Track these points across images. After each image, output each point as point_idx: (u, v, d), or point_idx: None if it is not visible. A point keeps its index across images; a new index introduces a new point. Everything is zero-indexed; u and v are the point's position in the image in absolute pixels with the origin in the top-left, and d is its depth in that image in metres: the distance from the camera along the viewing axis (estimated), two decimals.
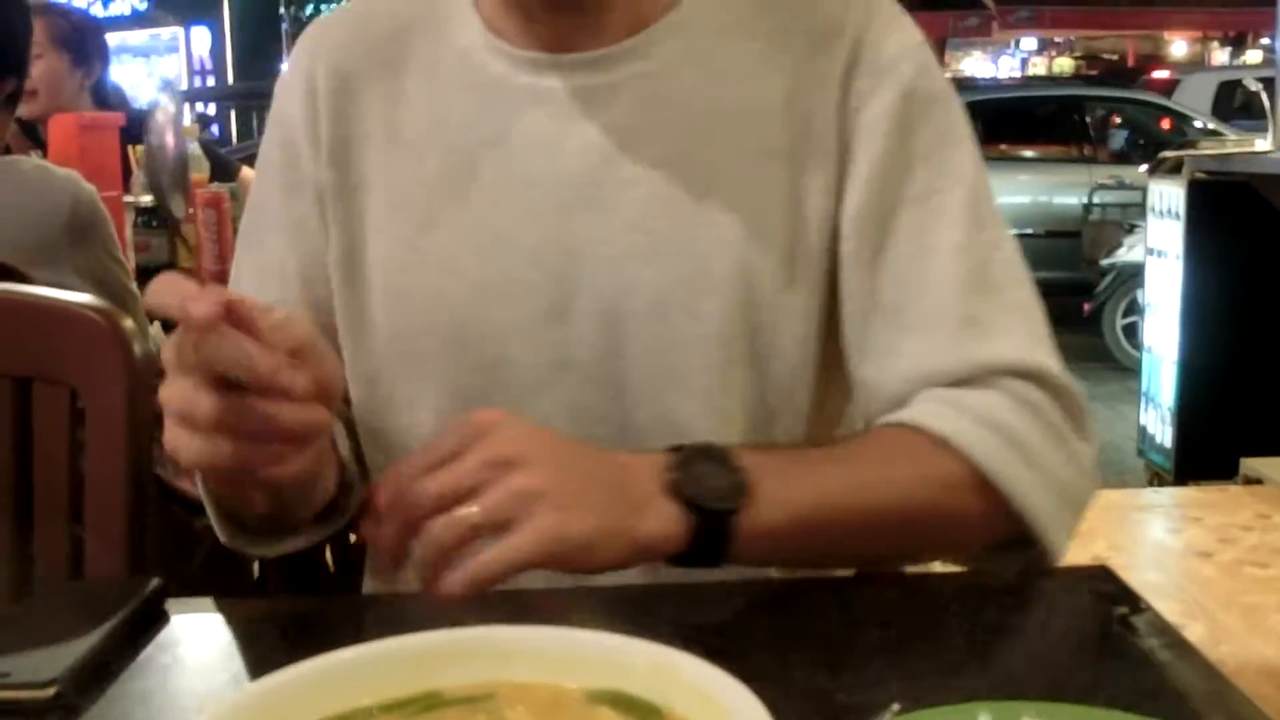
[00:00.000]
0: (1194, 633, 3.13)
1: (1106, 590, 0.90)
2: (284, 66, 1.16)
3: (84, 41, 3.67)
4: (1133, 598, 0.88)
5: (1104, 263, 7.10)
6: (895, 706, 0.52)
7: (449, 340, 1.02)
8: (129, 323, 1.21)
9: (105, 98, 3.72)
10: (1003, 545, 0.95)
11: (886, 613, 0.88)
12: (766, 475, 0.87)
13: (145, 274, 2.79)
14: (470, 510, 0.79)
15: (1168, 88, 12.38)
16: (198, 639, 0.88)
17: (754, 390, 1.02)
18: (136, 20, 18.30)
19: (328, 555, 1.37)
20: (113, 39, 4.71)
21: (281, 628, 0.92)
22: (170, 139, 2.76)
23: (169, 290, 0.72)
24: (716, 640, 0.70)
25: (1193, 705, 0.73)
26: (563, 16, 1.03)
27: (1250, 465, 4.53)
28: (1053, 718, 0.61)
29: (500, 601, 0.85)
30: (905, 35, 1.04)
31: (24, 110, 3.46)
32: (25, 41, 2.22)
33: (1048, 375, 0.97)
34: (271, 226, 1.11)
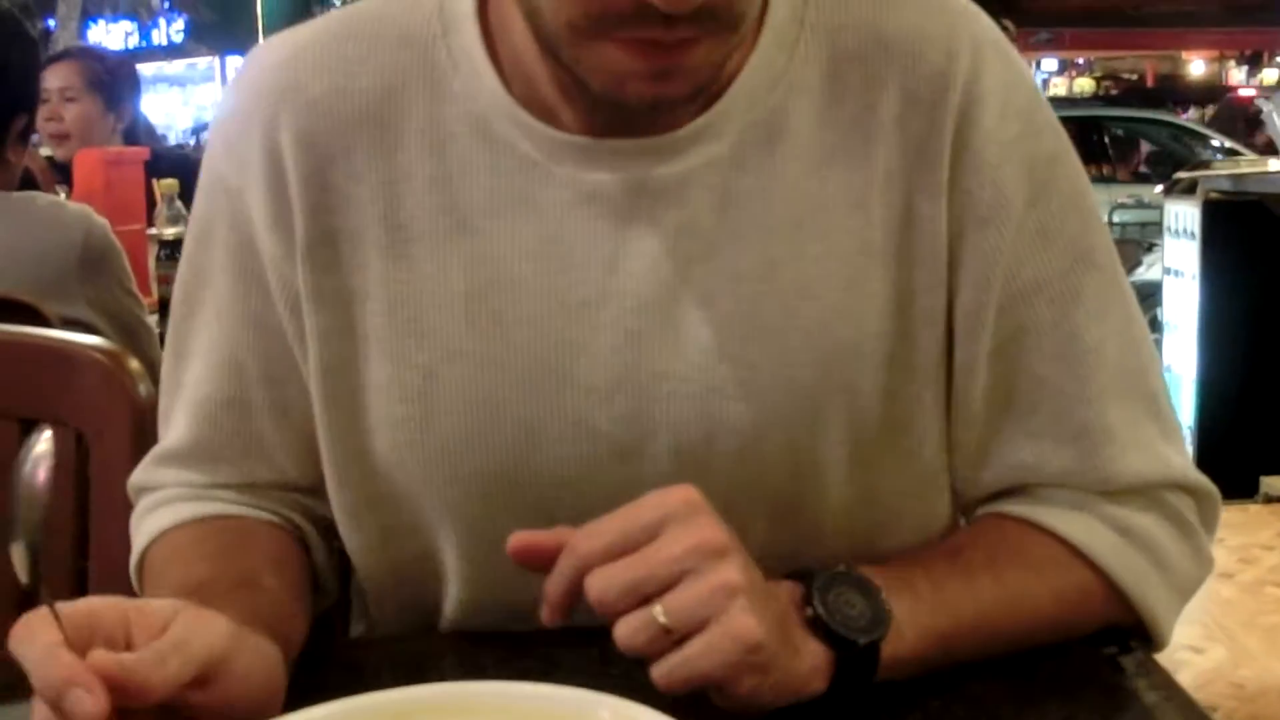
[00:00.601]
0: (1215, 655, 3.10)
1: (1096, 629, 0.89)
2: (226, 106, 0.92)
3: (117, 85, 3.74)
4: (1122, 636, 0.88)
5: None
6: None
7: (484, 489, 0.87)
8: (134, 363, 1.22)
9: (136, 137, 3.79)
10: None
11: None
12: (900, 598, 0.78)
13: (168, 308, 2.81)
14: (660, 616, 0.68)
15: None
16: None
17: (850, 508, 0.90)
18: (173, 51, 18.46)
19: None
20: (148, 69, 4.77)
21: None
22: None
23: (39, 646, 0.61)
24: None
25: None
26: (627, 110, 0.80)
27: (1270, 484, 4.49)
28: None
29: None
30: (1021, 87, 0.88)
31: (58, 153, 3.52)
32: (34, 76, 2.26)
33: (1184, 480, 0.89)
34: (220, 315, 0.91)
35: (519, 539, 0.73)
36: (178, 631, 0.62)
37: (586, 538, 0.72)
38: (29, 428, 1.19)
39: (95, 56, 3.88)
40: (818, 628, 0.74)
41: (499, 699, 0.60)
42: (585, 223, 0.84)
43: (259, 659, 0.68)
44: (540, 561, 0.73)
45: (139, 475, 0.97)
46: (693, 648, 0.68)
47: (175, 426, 0.95)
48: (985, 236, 0.86)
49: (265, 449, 0.93)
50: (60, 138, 3.58)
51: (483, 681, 0.61)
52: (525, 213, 0.85)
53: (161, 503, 0.93)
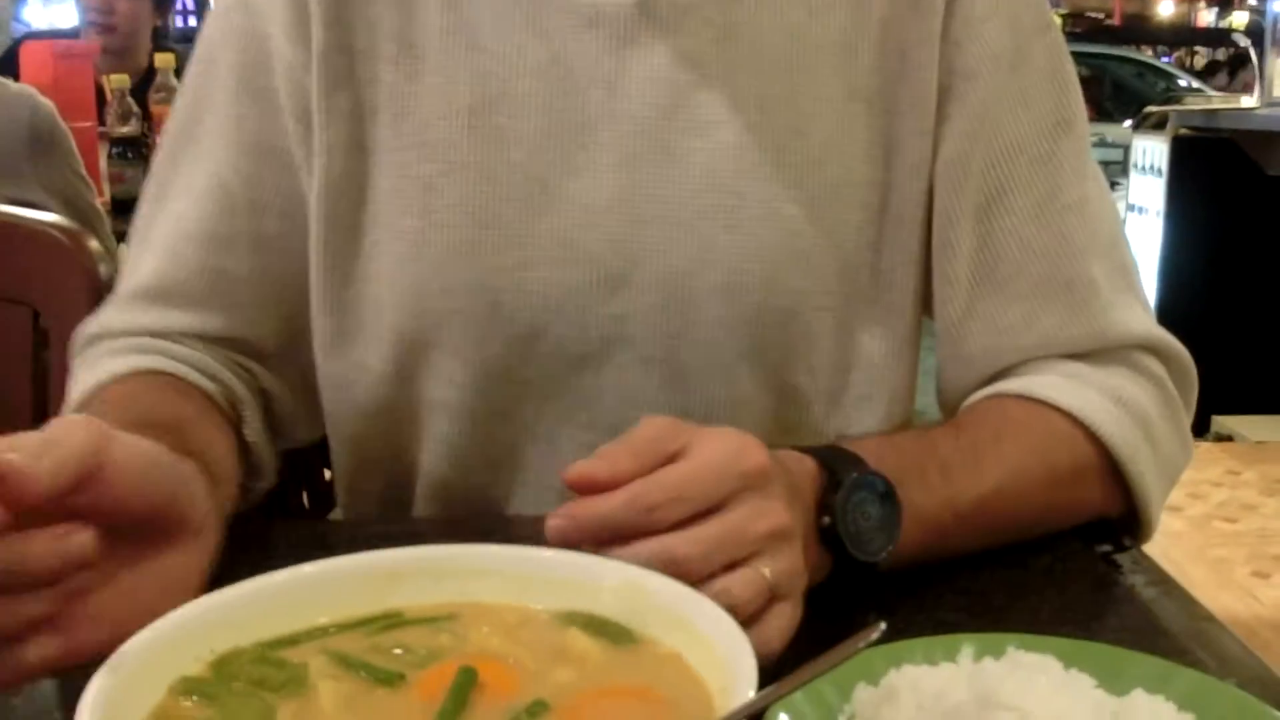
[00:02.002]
0: None
1: (1091, 528, 0.88)
2: None
3: None
4: (1116, 536, 0.87)
5: None
6: (883, 625, 0.50)
7: (474, 305, 0.87)
8: (94, 242, 1.18)
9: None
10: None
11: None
12: (910, 490, 0.76)
13: (121, 206, 2.74)
14: (768, 574, 0.63)
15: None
16: None
17: (837, 369, 0.91)
18: None
19: (303, 496, 1.35)
20: None
21: (243, 546, 0.89)
22: None
23: None
24: None
25: (1177, 641, 0.72)
26: None
27: (1221, 422, 4.56)
28: (1037, 649, 0.59)
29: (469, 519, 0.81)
30: None
31: (102, 41, 3.40)
32: None
33: (1162, 344, 0.90)
34: (214, 141, 0.91)
35: (577, 468, 0.63)
36: (48, 434, 0.56)
37: (648, 489, 0.61)
38: None
39: None
40: (828, 538, 0.72)
41: (494, 562, 0.56)
42: (588, 45, 0.86)
43: (136, 453, 0.60)
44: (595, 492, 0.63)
45: (88, 325, 0.92)
46: (781, 618, 0.64)
47: (139, 267, 0.92)
48: (971, 89, 0.88)
49: (229, 289, 0.91)
50: (109, 29, 3.44)
51: (476, 545, 0.58)
52: (531, 33, 0.87)
53: (103, 355, 0.89)
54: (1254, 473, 4.14)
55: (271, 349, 0.94)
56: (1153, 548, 0.87)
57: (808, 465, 0.73)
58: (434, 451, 0.91)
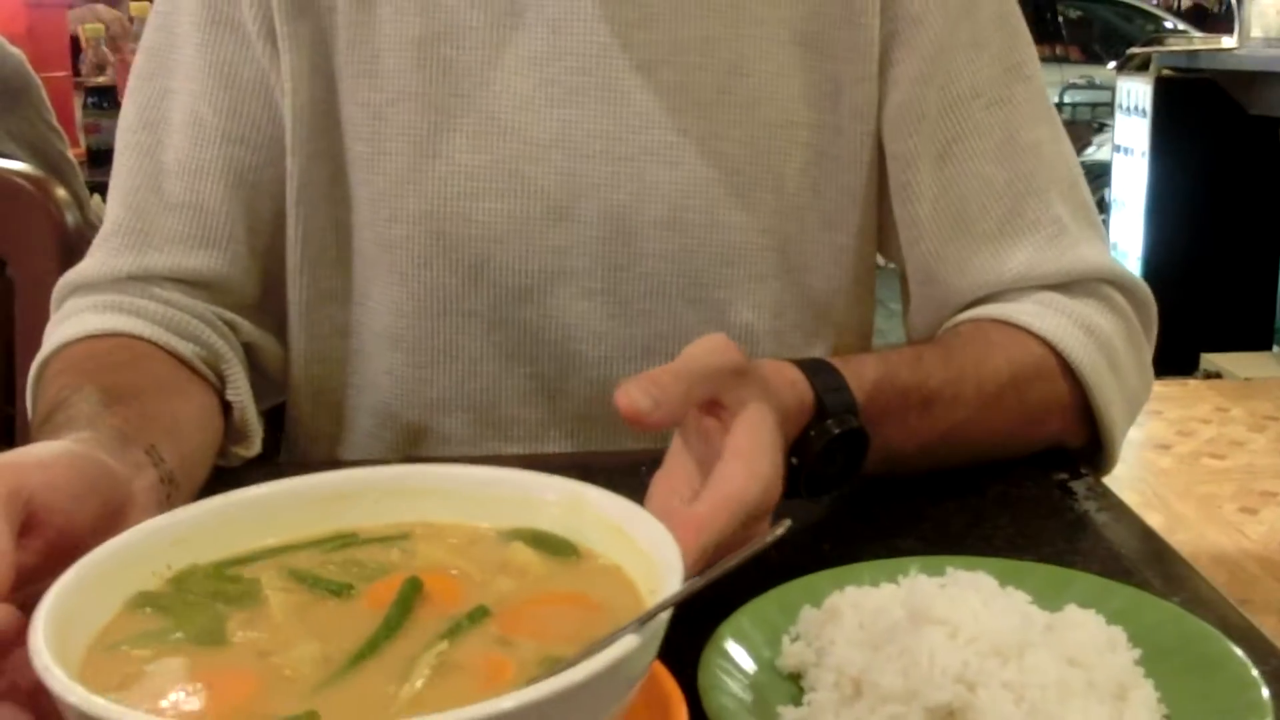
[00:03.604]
0: (1151, 521, 3.17)
1: (1050, 457, 0.89)
2: None
3: None
4: (1071, 464, 0.88)
5: None
6: (788, 522, 0.51)
7: (421, 233, 0.89)
8: (61, 191, 1.17)
9: None
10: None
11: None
12: (886, 426, 0.77)
13: (96, 157, 2.73)
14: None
15: None
16: None
17: (782, 307, 0.92)
18: None
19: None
20: None
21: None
22: None
23: None
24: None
25: (1124, 563, 0.73)
26: None
27: (1210, 360, 4.59)
28: (979, 569, 0.60)
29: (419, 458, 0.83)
30: None
31: None
32: None
33: (1125, 279, 0.91)
34: (186, 72, 0.92)
35: (627, 394, 0.62)
36: None
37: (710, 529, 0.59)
38: None
39: None
40: (791, 479, 0.71)
41: (443, 481, 0.58)
42: None
43: (60, 484, 0.57)
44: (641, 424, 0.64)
45: (68, 275, 0.92)
46: None
47: (116, 206, 0.92)
48: (920, 34, 0.90)
49: (207, 225, 0.90)
50: None
51: (426, 464, 0.59)
52: None
53: (80, 309, 0.88)
54: (1241, 409, 4.16)
55: (252, 295, 0.94)
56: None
57: (802, 395, 0.73)
58: (382, 386, 0.94)
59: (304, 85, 0.90)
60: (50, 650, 0.42)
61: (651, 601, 0.46)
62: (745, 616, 0.60)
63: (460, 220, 0.89)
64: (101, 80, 2.79)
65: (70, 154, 2.18)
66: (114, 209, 0.92)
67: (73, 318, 0.87)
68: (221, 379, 0.89)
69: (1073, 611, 0.56)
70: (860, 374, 0.78)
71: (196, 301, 0.90)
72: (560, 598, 0.51)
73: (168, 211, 0.90)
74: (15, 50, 2.05)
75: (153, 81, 0.93)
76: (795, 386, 0.74)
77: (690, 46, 0.88)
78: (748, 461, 0.61)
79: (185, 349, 0.87)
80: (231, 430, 0.89)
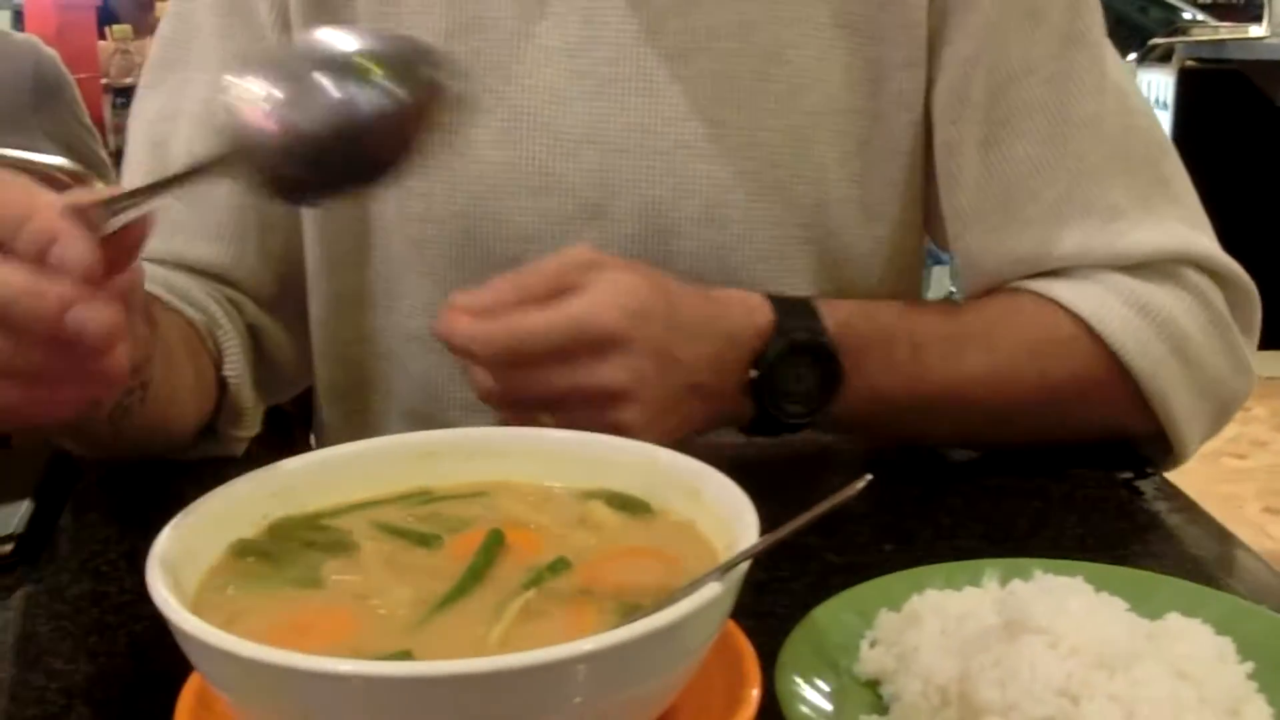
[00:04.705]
0: None
1: (1118, 454, 0.86)
2: None
3: None
4: (1137, 462, 0.85)
5: None
6: (869, 476, 0.51)
7: (454, 232, 0.87)
8: (100, 185, 1.16)
9: None
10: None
11: (882, 473, 0.84)
12: (869, 362, 0.79)
13: (123, 157, 2.72)
14: (544, 415, 0.71)
15: None
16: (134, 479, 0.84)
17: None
18: None
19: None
20: None
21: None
22: None
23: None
24: None
25: (1204, 566, 0.70)
26: None
27: None
28: (1065, 573, 0.57)
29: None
30: None
31: None
32: None
33: (1211, 261, 0.85)
34: (199, 60, 0.91)
35: (458, 298, 0.73)
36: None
37: (526, 328, 0.71)
38: None
39: None
40: (754, 393, 0.77)
41: (521, 443, 0.61)
42: None
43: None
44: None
45: None
46: None
47: None
48: (969, 14, 0.85)
49: (214, 218, 0.89)
50: None
51: (505, 427, 0.63)
52: None
53: None
54: (1265, 409, 4.12)
55: (262, 291, 0.92)
56: None
57: (759, 317, 0.78)
58: (413, 387, 0.92)
59: None
60: (166, 587, 0.45)
61: (725, 556, 0.48)
62: (819, 619, 0.57)
63: (492, 219, 0.86)
64: (129, 81, 2.80)
65: (103, 152, 2.18)
66: None
67: None
68: (219, 351, 0.87)
69: (1175, 620, 0.53)
70: (835, 306, 0.80)
71: (199, 280, 0.89)
72: (637, 551, 0.53)
73: (175, 200, 0.87)
74: (50, 51, 2.06)
75: (167, 71, 0.92)
76: (752, 310, 0.77)
77: (726, 33, 0.85)
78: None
79: (192, 314, 0.86)
80: (227, 408, 0.88)
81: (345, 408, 0.96)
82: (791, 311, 0.78)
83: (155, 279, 0.85)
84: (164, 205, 0.88)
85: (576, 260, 0.74)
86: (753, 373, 0.77)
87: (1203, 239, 0.86)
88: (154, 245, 0.85)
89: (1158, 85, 4.83)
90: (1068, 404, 0.84)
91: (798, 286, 0.87)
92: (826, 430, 0.81)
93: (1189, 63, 4.69)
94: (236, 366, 0.88)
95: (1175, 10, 9.99)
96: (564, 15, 0.85)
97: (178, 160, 0.88)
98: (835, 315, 0.79)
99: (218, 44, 0.90)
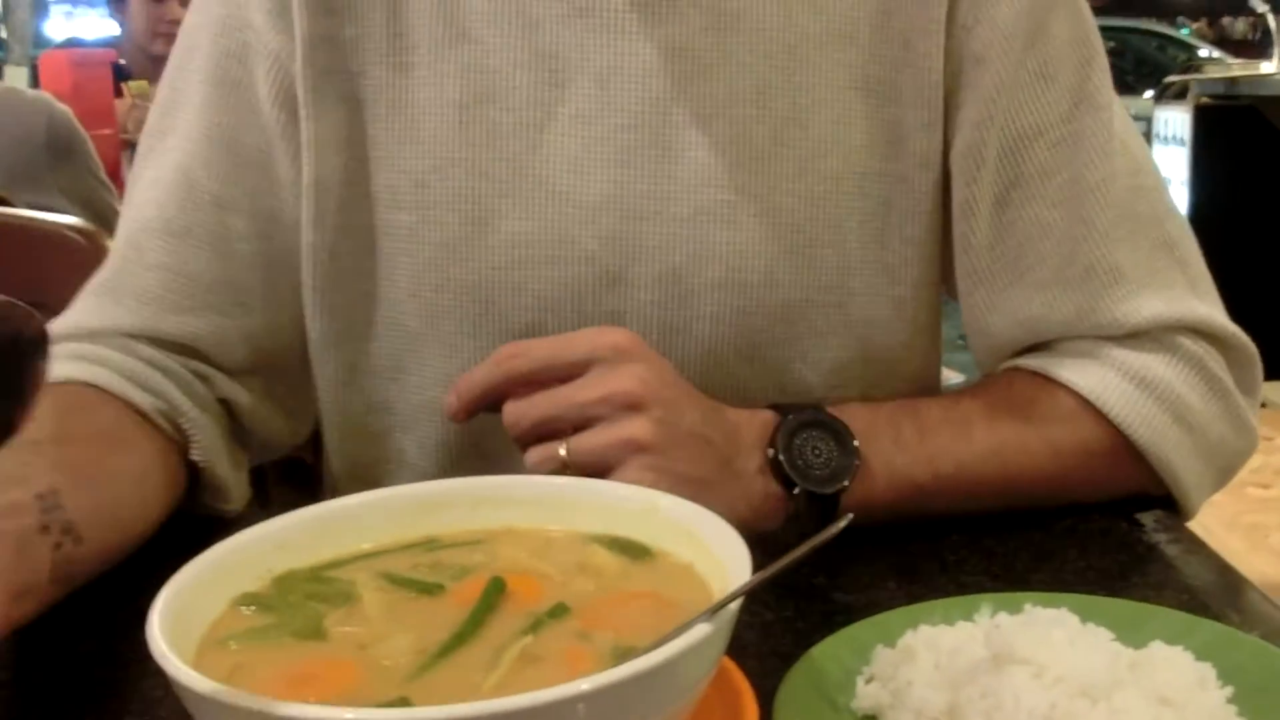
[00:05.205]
0: None
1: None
2: None
3: None
4: (1146, 503, 0.86)
5: None
6: (850, 515, 0.54)
7: (469, 303, 0.86)
8: (111, 242, 1.19)
9: None
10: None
11: None
12: (878, 443, 0.80)
13: None
14: (564, 452, 0.74)
15: None
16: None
17: (843, 363, 0.89)
18: None
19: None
20: None
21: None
22: None
23: None
24: None
25: (1201, 596, 0.72)
26: None
27: None
28: (1054, 605, 0.59)
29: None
30: None
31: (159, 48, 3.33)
32: None
33: (1209, 326, 0.86)
34: (185, 130, 0.89)
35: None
36: None
37: (513, 355, 0.76)
38: None
39: None
40: (776, 470, 0.78)
41: (523, 491, 0.62)
42: (579, 36, 0.85)
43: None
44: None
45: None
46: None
47: (106, 262, 0.90)
48: (982, 75, 0.85)
49: (185, 289, 0.88)
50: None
51: (506, 476, 0.63)
52: (521, 25, 0.85)
53: None
54: None
55: (235, 361, 0.90)
56: None
57: (762, 412, 0.80)
58: (428, 454, 0.91)
59: (331, 155, 0.87)
60: (166, 642, 0.46)
61: (721, 597, 0.49)
62: (817, 657, 0.59)
63: (510, 288, 0.86)
64: None
65: (119, 206, 2.22)
66: (105, 264, 0.91)
67: None
68: (184, 436, 0.85)
69: (1158, 648, 0.54)
70: (831, 403, 0.82)
71: (167, 356, 0.87)
72: (636, 595, 0.54)
73: (145, 271, 0.88)
74: (63, 108, 2.11)
75: (156, 139, 0.91)
76: (754, 410, 0.80)
77: (744, 98, 0.85)
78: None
79: (144, 400, 0.84)
80: (206, 487, 0.87)
81: (354, 478, 0.95)
82: (791, 405, 0.80)
83: (113, 363, 0.84)
84: (132, 274, 0.86)
85: (607, 344, 0.76)
86: (770, 451, 0.78)
87: (1202, 303, 0.87)
88: (125, 318, 0.86)
89: (1174, 122, 4.84)
90: (1076, 474, 0.84)
91: (818, 347, 0.88)
92: (856, 517, 0.80)
93: (1204, 100, 4.69)
94: (204, 449, 0.86)
95: (1192, 48, 10.05)
96: (580, 83, 0.85)
97: (151, 228, 0.88)
98: (832, 406, 0.81)
99: (202, 116, 0.89)
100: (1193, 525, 0.85)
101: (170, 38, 3.33)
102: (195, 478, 0.86)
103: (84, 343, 0.86)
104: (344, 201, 0.88)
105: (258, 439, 0.93)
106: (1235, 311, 0.89)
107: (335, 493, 0.96)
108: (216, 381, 0.89)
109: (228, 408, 0.90)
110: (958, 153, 0.87)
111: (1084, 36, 0.88)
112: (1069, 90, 0.86)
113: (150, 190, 0.89)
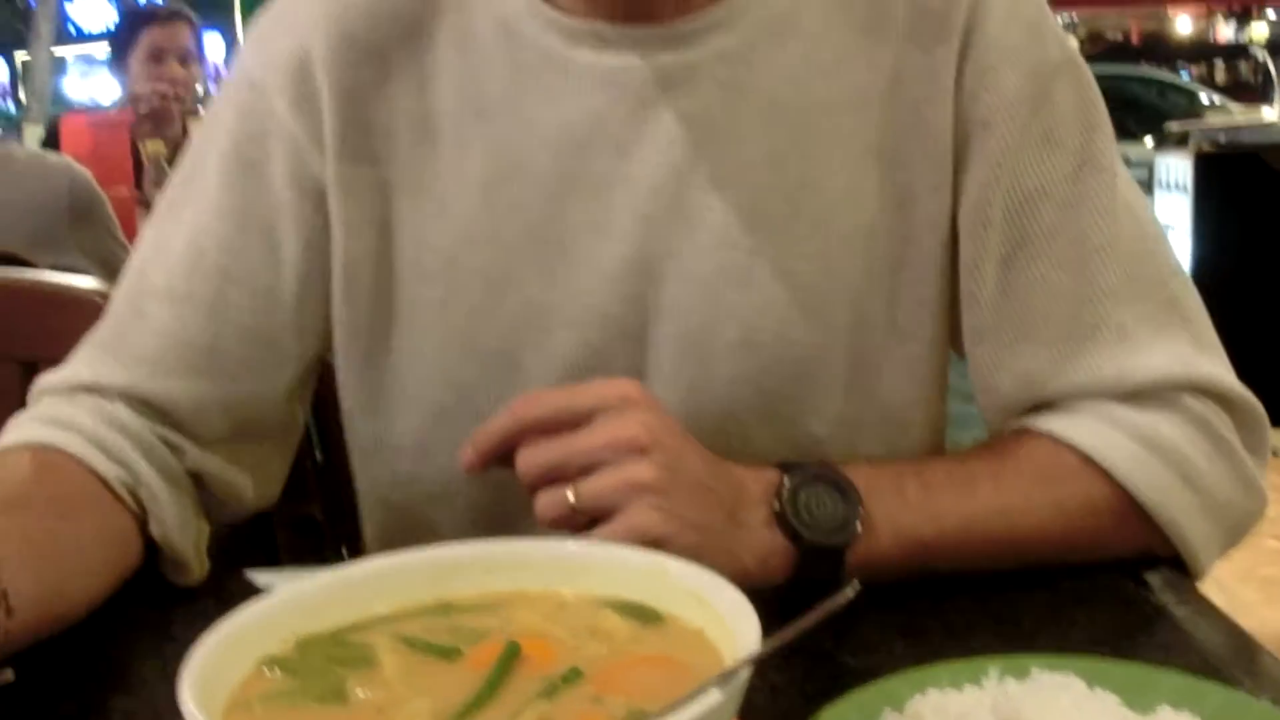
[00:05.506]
0: None
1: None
2: (266, 11, 0.96)
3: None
4: (1146, 556, 0.86)
5: None
6: (857, 584, 0.55)
7: (498, 370, 0.89)
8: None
9: None
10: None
11: None
12: (883, 500, 0.81)
13: None
14: (571, 497, 0.76)
15: None
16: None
17: (854, 419, 0.91)
18: None
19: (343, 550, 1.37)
20: None
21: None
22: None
23: None
24: None
25: (1209, 658, 0.72)
26: None
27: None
28: (1061, 669, 0.59)
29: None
30: (1028, 2, 0.91)
31: (158, 110, 3.34)
32: None
33: (1215, 386, 0.87)
34: (199, 202, 0.91)
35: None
36: None
37: (525, 404, 0.79)
38: (30, 370, 1.17)
39: (194, 19, 3.74)
40: (781, 523, 0.79)
41: (536, 554, 0.63)
42: (600, 109, 0.88)
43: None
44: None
45: (37, 379, 0.91)
46: (597, 534, 0.75)
47: (103, 321, 0.92)
48: (989, 139, 0.88)
49: (177, 354, 0.89)
50: (169, 100, 3.29)
51: (519, 540, 0.65)
52: (543, 102, 0.88)
53: (22, 418, 0.87)
54: None
55: (206, 428, 0.90)
56: None
57: (767, 471, 0.81)
58: (462, 517, 0.93)
59: (361, 234, 0.90)
60: (195, 703, 0.48)
61: (731, 662, 0.50)
62: None
63: (535, 353, 0.89)
64: None
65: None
66: (105, 319, 0.93)
67: (15, 425, 0.87)
68: (143, 508, 0.85)
69: (1166, 714, 0.55)
70: (839, 461, 0.83)
71: (142, 421, 0.88)
72: (647, 660, 0.56)
73: (142, 332, 0.90)
74: (84, 171, 2.16)
75: (172, 207, 0.93)
76: (759, 468, 0.81)
77: (759, 165, 0.88)
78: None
79: (108, 470, 0.84)
80: (164, 559, 0.86)
81: (388, 543, 0.96)
82: (796, 462, 0.82)
83: (84, 429, 0.85)
84: (128, 333, 0.89)
85: (614, 394, 0.78)
86: (775, 504, 0.79)
87: (1208, 363, 0.88)
88: (117, 375, 0.87)
89: (1176, 170, 4.87)
90: (1083, 533, 0.85)
91: (830, 403, 0.90)
92: (861, 576, 0.80)
93: (1205, 147, 4.73)
94: (162, 523, 0.85)
95: (1193, 94, 10.11)
96: (600, 154, 0.88)
97: (154, 291, 0.90)
98: (838, 465, 0.82)
99: (217, 195, 0.91)
100: (1208, 578, 0.85)
101: (169, 97, 3.38)
102: (155, 549, 0.86)
103: (63, 402, 0.87)
104: (375, 278, 0.91)
105: (225, 506, 0.94)
106: (1240, 359, 0.91)
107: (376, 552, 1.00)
108: (188, 453, 0.89)
109: (196, 479, 0.91)
110: (965, 213, 0.89)
111: (1088, 102, 0.91)
112: (1073, 154, 0.88)
113: (159, 255, 0.92)
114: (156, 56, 3.28)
